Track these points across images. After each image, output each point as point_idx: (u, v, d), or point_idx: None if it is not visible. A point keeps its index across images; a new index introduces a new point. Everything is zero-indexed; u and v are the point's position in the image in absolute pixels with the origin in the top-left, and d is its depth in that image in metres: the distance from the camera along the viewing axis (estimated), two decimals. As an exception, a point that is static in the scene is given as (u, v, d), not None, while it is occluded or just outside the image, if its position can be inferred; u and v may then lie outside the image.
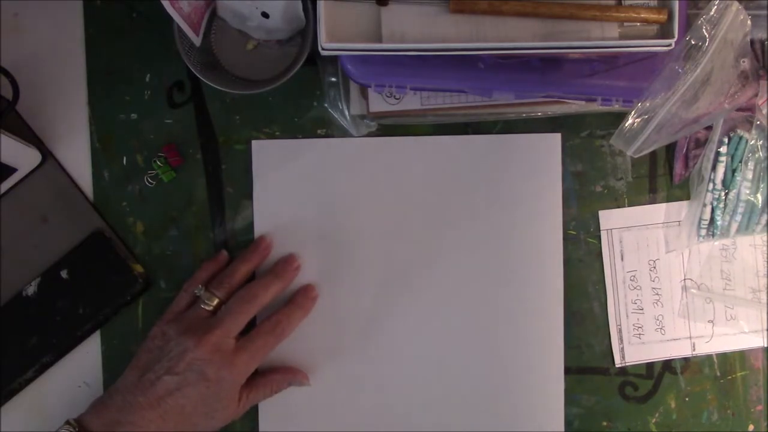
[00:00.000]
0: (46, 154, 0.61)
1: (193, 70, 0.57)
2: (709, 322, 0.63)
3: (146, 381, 0.55)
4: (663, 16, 0.53)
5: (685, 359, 0.63)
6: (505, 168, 0.62)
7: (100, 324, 0.62)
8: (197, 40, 0.57)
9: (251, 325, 0.59)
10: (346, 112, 0.60)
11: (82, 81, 0.62)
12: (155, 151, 0.62)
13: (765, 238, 0.62)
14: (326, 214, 0.62)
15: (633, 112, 0.54)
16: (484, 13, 0.53)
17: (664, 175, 0.63)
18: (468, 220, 0.62)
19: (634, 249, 0.63)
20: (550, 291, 0.62)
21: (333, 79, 0.60)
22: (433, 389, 0.62)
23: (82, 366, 0.62)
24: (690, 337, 0.62)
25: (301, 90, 0.61)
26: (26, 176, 0.61)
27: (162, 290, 0.62)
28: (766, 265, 0.63)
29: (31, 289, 0.61)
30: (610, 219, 0.63)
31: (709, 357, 0.63)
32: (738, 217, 0.61)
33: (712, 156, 0.61)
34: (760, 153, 0.60)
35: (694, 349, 0.63)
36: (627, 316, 0.62)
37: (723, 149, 0.60)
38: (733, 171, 0.61)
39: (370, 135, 0.61)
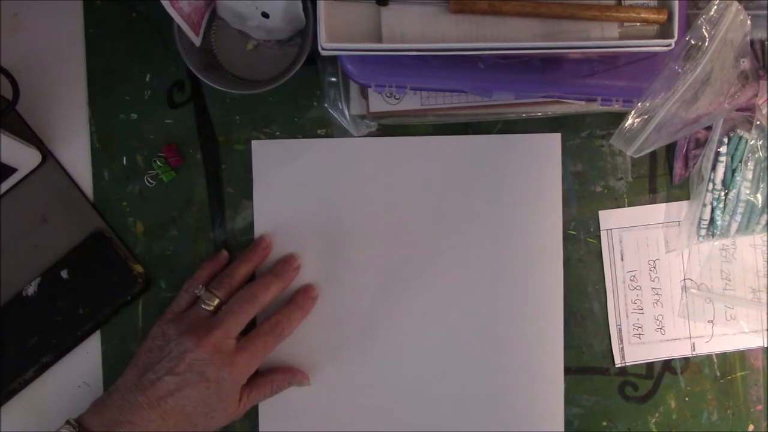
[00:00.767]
0: (46, 154, 0.61)
1: (193, 70, 0.57)
2: (708, 322, 0.63)
3: (146, 381, 0.55)
4: (663, 16, 0.53)
5: (685, 359, 0.63)
6: (505, 168, 0.62)
7: (100, 324, 0.61)
8: (197, 40, 0.57)
9: (251, 326, 0.59)
10: (346, 112, 0.60)
11: (82, 81, 0.62)
12: (155, 151, 0.62)
13: (765, 238, 0.62)
14: (326, 214, 0.62)
15: (633, 112, 0.54)
16: (484, 13, 0.53)
17: (664, 175, 0.63)
18: (468, 220, 0.62)
19: (634, 249, 0.63)
20: (550, 291, 0.62)
21: (333, 79, 0.60)
22: (433, 389, 0.62)
23: (82, 366, 0.62)
24: (690, 337, 0.63)
25: (301, 90, 0.61)
26: (26, 176, 0.61)
27: (162, 290, 0.62)
28: (766, 265, 0.63)
29: (31, 289, 0.61)
30: (610, 219, 0.63)
31: (709, 357, 0.63)
32: (738, 217, 0.61)
33: (711, 156, 0.61)
34: (760, 153, 0.60)
35: (694, 349, 0.63)
36: (627, 316, 0.62)
37: (723, 149, 0.60)
38: (733, 171, 0.61)
39: (370, 135, 0.61)
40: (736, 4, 0.52)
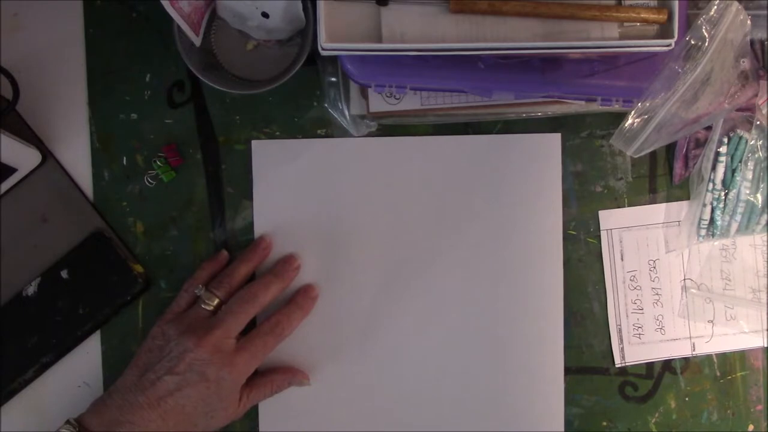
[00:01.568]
0: (46, 154, 0.61)
1: (193, 70, 0.57)
2: (708, 322, 0.63)
3: (146, 381, 0.55)
4: (663, 16, 0.53)
5: (685, 359, 0.63)
6: (505, 168, 0.62)
7: (100, 324, 0.61)
8: (197, 40, 0.57)
9: (251, 325, 0.59)
10: (346, 112, 0.60)
11: (82, 81, 0.62)
12: (155, 151, 0.62)
13: (765, 238, 0.62)
14: (326, 214, 0.62)
15: (633, 112, 0.54)
16: (484, 13, 0.53)
17: (664, 175, 0.63)
18: (468, 220, 0.62)
19: (634, 249, 0.63)
20: (550, 291, 0.62)
21: (333, 79, 0.60)
22: (433, 389, 0.62)
23: (82, 366, 0.62)
24: (690, 337, 0.62)
25: (301, 90, 0.61)
26: (26, 176, 0.61)
27: (162, 290, 0.62)
28: (766, 265, 0.63)
29: (31, 289, 0.61)
30: (610, 219, 0.63)
31: (708, 357, 0.63)
32: (738, 217, 0.61)
33: (711, 156, 0.61)
34: (760, 153, 0.60)
35: (694, 349, 0.63)
36: (627, 316, 0.62)
37: (723, 149, 0.60)
38: (733, 171, 0.61)
39: (370, 135, 0.61)
40: (736, 4, 0.52)
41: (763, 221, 0.61)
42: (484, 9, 0.53)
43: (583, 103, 0.58)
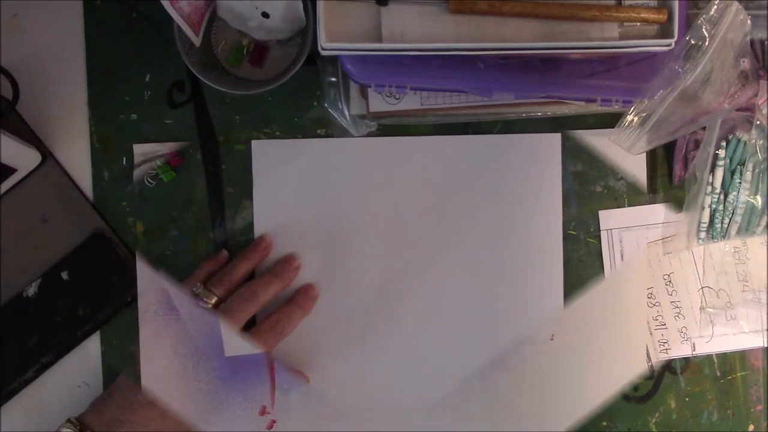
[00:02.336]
0: (46, 154, 0.61)
1: (193, 70, 0.57)
2: (709, 322, 0.62)
3: None
4: (663, 16, 0.53)
5: (685, 359, 0.63)
6: (505, 168, 0.62)
7: (100, 324, 0.61)
8: (197, 40, 0.57)
9: (251, 324, 0.59)
10: (346, 112, 0.60)
11: (82, 81, 0.62)
12: (155, 151, 0.62)
13: (766, 239, 0.62)
14: (326, 214, 0.62)
15: (632, 110, 0.54)
16: (484, 13, 0.53)
17: (664, 175, 0.63)
18: (468, 220, 0.62)
19: (634, 249, 0.63)
20: (550, 291, 0.62)
21: (333, 79, 0.60)
22: (433, 389, 0.62)
23: (82, 366, 0.62)
24: (689, 338, 0.62)
25: (301, 90, 0.61)
26: (26, 176, 0.61)
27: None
28: (767, 265, 0.63)
29: (31, 290, 0.61)
30: (610, 219, 0.63)
31: (709, 357, 0.63)
32: (738, 219, 0.61)
33: (706, 157, 0.60)
34: (759, 154, 0.60)
35: (694, 349, 0.63)
36: (651, 333, 0.62)
37: (721, 152, 0.60)
38: (732, 173, 0.61)
39: (370, 135, 0.61)
40: (736, 3, 0.52)
41: (763, 223, 0.61)
42: (483, 9, 0.53)
43: (583, 103, 0.58)
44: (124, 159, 0.62)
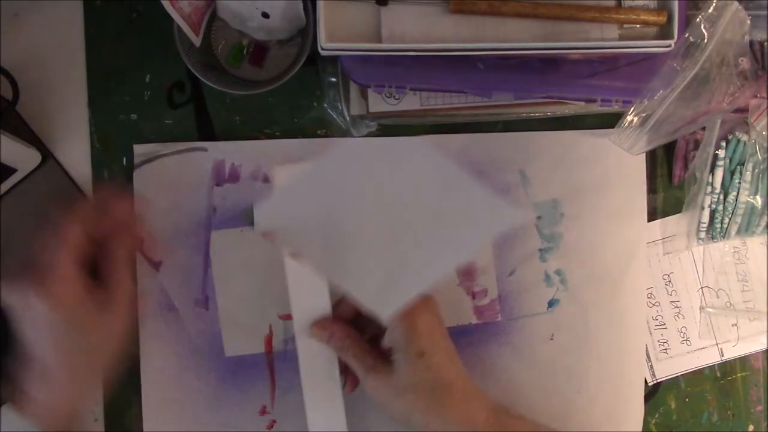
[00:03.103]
0: (46, 154, 0.61)
1: (193, 70, 0.57)
2: (733, 325, 0.62)
3: None
4: (662, 18, 0.53)
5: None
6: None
7: (100, 324, 0.61)
8: (197, 40, 0.57)
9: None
10: (346, 112, 0.60)
11: (82, 81, 0.62)
12: (155, 151, 0.62)
13: (766, 239, 0.62)
14: (326, 214, 0.62)
15: (632, 110, 0.54)
16: (483, 13, 0.53)
17: (664, 175, 0.63)
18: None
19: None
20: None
21: (333, 79, 0.60)
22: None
23: (81, 366, 0.62)
24: (717, 344, 0.62)
25: (301, 90, 0.61)
26: (26, 176, 0.61)
27: (162, 290, 0.62)
28: (767, 265, 0.63)
29: (31, 290, 0.60)
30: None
31: (709, 357, 0.63)
32: (738, 219, 0.61)
33: (706, 157, 0.60)
34: (759, 155, 0.60)
35: (722, 355, 0.62)
36: (650, 333, 0.62)
37: (721, 153, 0.60)
38: (732, 173, 0.61)
39: (370, 135, 0.61)
40: (735, 3, 0.52)
41: (763, 223, 0.61)
42: (483, 9, 0.53)
43: (583, 103, 0.58)
44: (124, 159, 0.62)
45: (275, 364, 0.61)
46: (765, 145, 0.59)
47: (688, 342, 0.62)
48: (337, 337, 0.53)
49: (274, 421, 0.61)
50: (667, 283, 0.62)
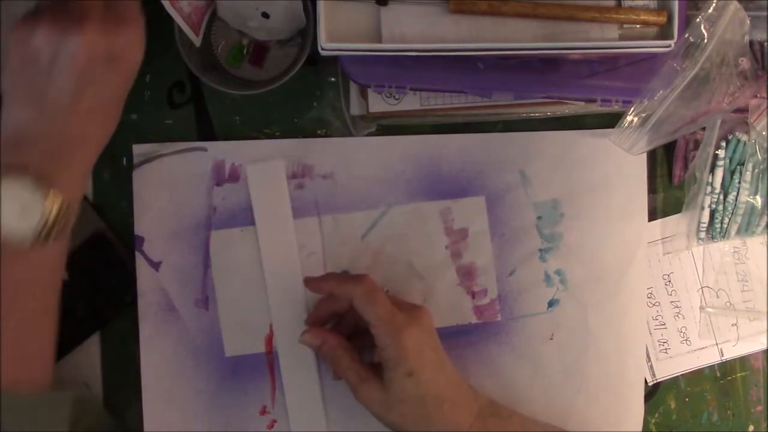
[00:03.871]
0: (46, 155, 0.61)
1: (193, 70, 0.57)
2: (732, 325, 0.62)
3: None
4: (662, 18, 0.53)
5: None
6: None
7: (100, 325, 0.61)
8: (197, 41, 0.57)
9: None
10: (346, 112, 0.60)
11: (83, 81, 0.62)
12: (155, 151, 0.62)
13: (766, 239, 0.62)
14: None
15: (632, 110, 0.54)
16: (483, 13, 0.53)
17: (664, 175, 0.63)
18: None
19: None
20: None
21: (333, 80, 0.60)
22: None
23: (82, 366, 0.62)
24: (716, 344, 0.62)
25: (301, 90, 0.61)
26: (26, 176, 0.61)
27: (162, 290, 0.62)
28: (767, 265, 0.63)
29: (31, 290, 0.60)
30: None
31: (708, 357, 0.63)
32: (738, 219, 0.61)
33: (706, 157, 0.60)
34: (759, 155, 0.60)
35: (722, 355, 0.62)
36: (650, 332, 0.62)
37: (721, 152, 0.60)
38: (732, 173, 0.61)
39: (370, 135, 0.61)
40: (735, 3, 0.52)
41: (763, 223, 0.61)
42: (483, 9, 0.53)
43: (583, 103, 0.58)
44: (124, 159, 0.62)
45: (275, 364, 0.61)
46: (765, 145, 0.59)
47: (688, 342, 0.62)
48: (329, 345, 0.55)
49: (275, 421, 0.61)
50: (667, 283, 0.62)
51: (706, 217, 0.61)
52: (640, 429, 0.62)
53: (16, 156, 0.48)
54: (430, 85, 0.57)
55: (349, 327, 0.58)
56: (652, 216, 0.62)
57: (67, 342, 0.61)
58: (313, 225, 0.61)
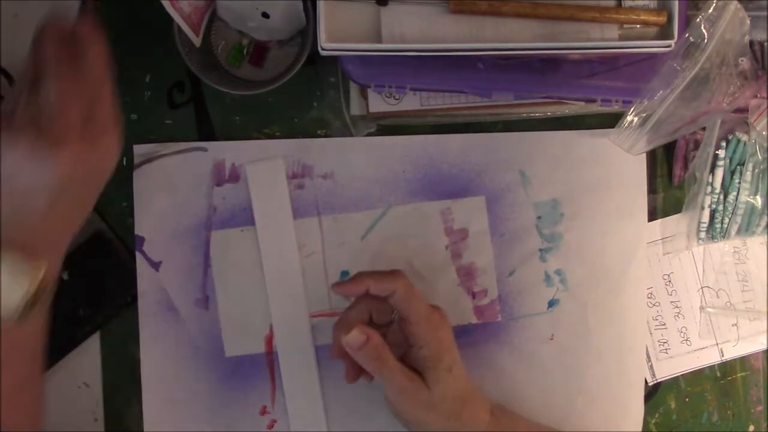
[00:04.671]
0: (46, 155, 0.61)
1: (193, 70, 0.57)
2: (732, 325, 0.62)
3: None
4: (662, 19, 0.53)
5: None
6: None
7: (100, 325, 0.61)
8: (197, 41, 0.57)
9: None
10: (346, 112, 0.60)
11: (83, 81, 0.62)
12: (155, 151, 0.62)
13: (766, 239, 0.62)
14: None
15: (632, 110, 0.54)
16: (483, 13, 0.53)
17: (664, 175, 0.63)
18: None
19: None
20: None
21: (333, 79, 0.60)
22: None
23: (82, 367, 0.62)
24: (717, 344, 0.62)
25: (301, 90, 0.61)
26: (26, 177, 0.61)
27: (162, 291, 0.62)
28: (767, 265, 0.63)
29: (31, 291, 0.60)
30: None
31: (709, 357, 0.63)
32: (738, 219, 0.61)
33: (706, 157, 0.60)
34: (759, 155, 0.60)
35: (722, 355, 0.62)
36: (650, 333, 0.62)
37: (721, 153, 0.60)
38: (732, 173, 0.61)
39: (370, 135, 0.61)
40: (735, 3, 0.52)
41: (763, 223, 0.61)
42: (483, 9, 0.53)
43: (582, 103, 0.58)
44: (124, 159, 0.62)
45: (275, 364, 0.61)
46: (765, 145, 0.59)
47: (688, 342, 0.62)
48: (373, 343, 0.51)
49: (275, 421, 0.61)
50: (667, 283, 0.62)
51: (706, 217, 0.61)
52: (640, 429, 0.62)
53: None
54: (430, 85, 0.57)
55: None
56: (652, 216, 0.62)
57: (67, 342, 0.61)
58: (313, 225, 0.61)
